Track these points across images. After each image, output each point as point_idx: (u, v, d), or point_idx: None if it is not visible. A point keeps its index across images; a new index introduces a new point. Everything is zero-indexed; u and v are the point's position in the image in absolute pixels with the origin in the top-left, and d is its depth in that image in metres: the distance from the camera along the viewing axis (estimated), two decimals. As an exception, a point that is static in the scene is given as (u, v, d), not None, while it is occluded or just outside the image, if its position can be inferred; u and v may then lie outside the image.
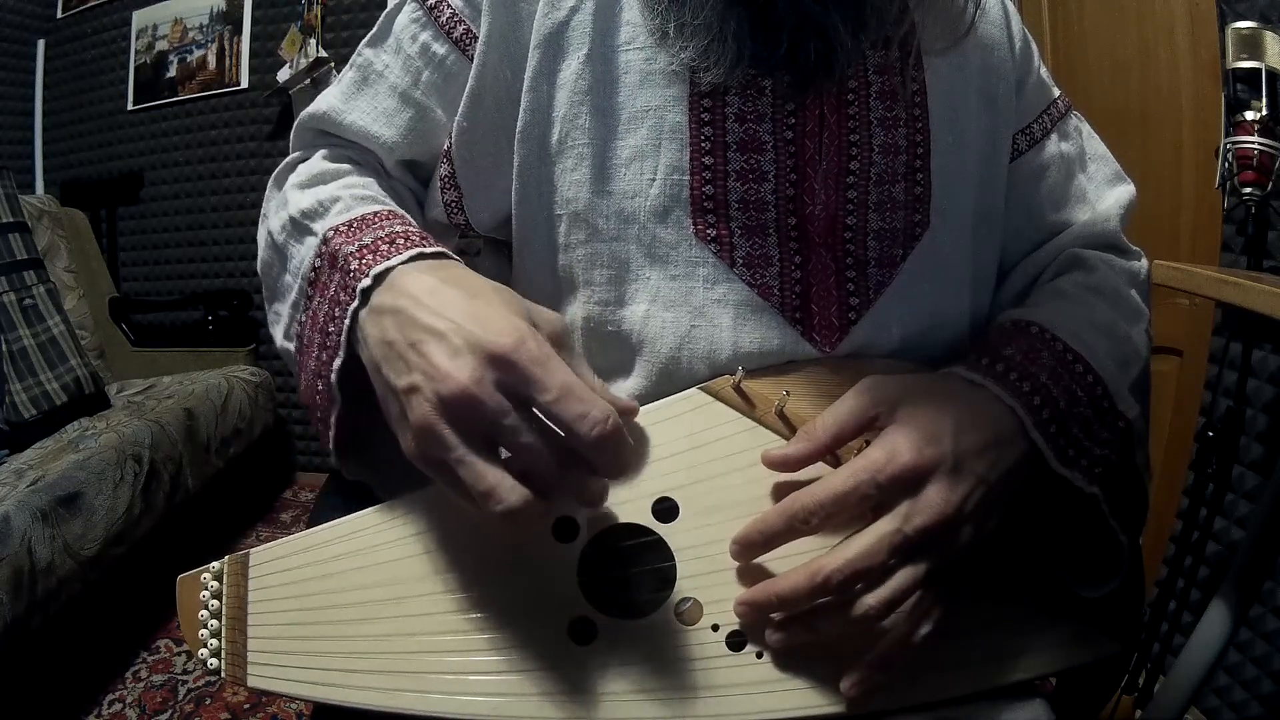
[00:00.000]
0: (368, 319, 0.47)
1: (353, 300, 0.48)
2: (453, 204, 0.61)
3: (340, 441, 0.52)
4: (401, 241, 0.50)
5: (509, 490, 0.40)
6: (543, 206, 0.56)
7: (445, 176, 0.61)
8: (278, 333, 0.58)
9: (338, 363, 0.49)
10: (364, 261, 0.48)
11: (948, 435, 0.46)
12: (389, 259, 0.48)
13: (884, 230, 0.55)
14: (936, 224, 0.57)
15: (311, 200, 0.56)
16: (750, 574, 0.49)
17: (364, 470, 0.55)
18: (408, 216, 0.54)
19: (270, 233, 0.58)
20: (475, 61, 0.56)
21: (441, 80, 0.59)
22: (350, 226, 0.52)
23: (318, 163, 0.61)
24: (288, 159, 0.64)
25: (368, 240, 0.50)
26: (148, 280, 2.58)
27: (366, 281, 0.47)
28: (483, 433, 0.41)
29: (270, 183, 0.63)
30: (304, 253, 0.54)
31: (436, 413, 0.41)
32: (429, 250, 0.49)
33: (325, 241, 0.52)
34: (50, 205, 2.23)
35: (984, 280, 0.62)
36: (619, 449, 0.42)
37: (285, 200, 0.58)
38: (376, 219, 0.52)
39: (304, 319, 0.53)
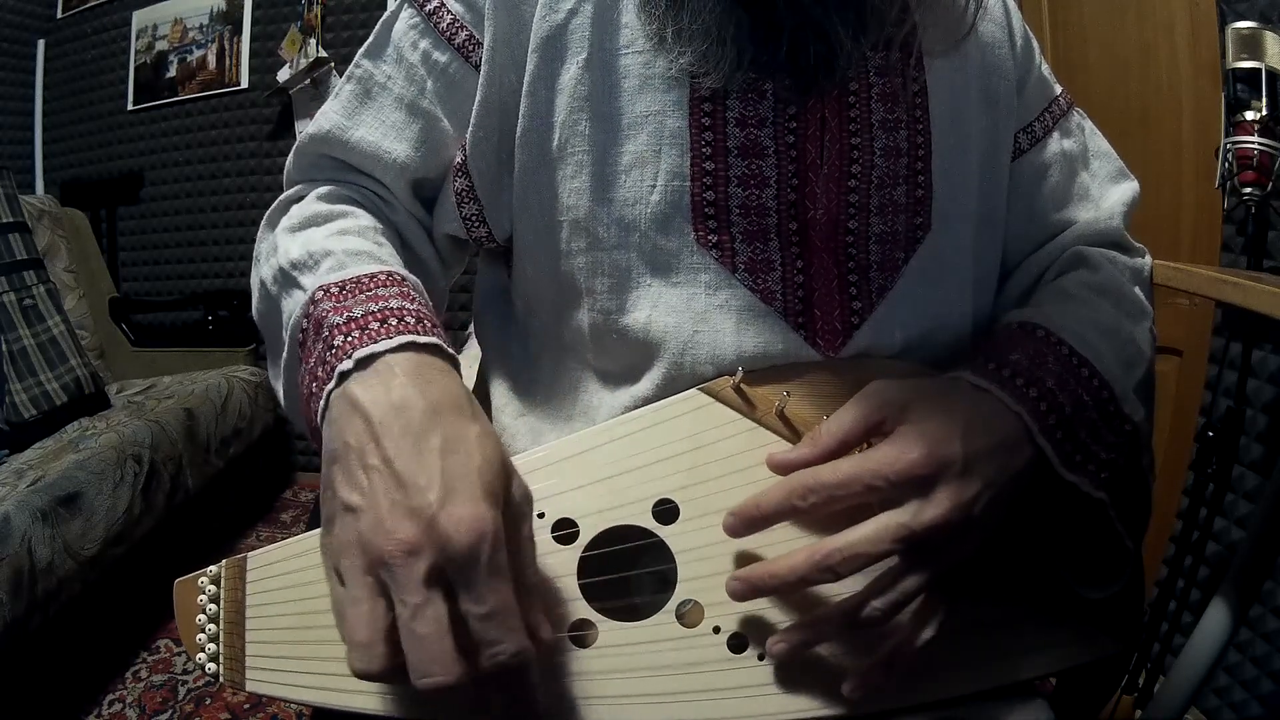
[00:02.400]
0: (338, 402, 0.42)
1: (329, 380, 0.43)
2: (473, 218, 0.59)
3: None
4: (394, 322, 0.45)
5: (374, 657, 0.37)
6: (543, 213, 0.56)
7: (462, 191, 0.58)
8: (279, 390, 0.55)
9: (324, 454, 0.43)
10: (349, 339, 0.43)
11: (957, 438, 0.46)
12: (375, 342, 0.43)
13: (886, 233, 0.55)
14: (938, 226, 0.57)
15: (301, 250, 0.52)
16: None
17: None
18: (409, 279, 0.50)
19: (263, 281, 0.55)
20: (483, 69, 0.55)
21: (446, 89, 0.57)
22: (341, 289, 0.47)
23: (311, 204, 0.57)
24: (281, 197, 0.61)
25: (357, 313, 0.45)
26: (148, 280, 2.58)
27: (347, 365, 0.42)
28: (384, 589, 0.37)
29: (264, 222, 0.60)
30: (292, 308, 0.50)
31: (357, 547, 0.38)
32: (421, 340, 0.44)
33: (313, 302, 0.47)
34: (50, 205, 2.23)
35: (986, 281, 0.62)
36: (516, 687, 0.39)
37: (275, 246, 0.55)
38: (372, 283, 0.48)
39: (299, 382, 0.48)
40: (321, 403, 0.43)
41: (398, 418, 0.40)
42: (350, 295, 0.47)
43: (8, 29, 2.50)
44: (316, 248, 0.52)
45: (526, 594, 0.40)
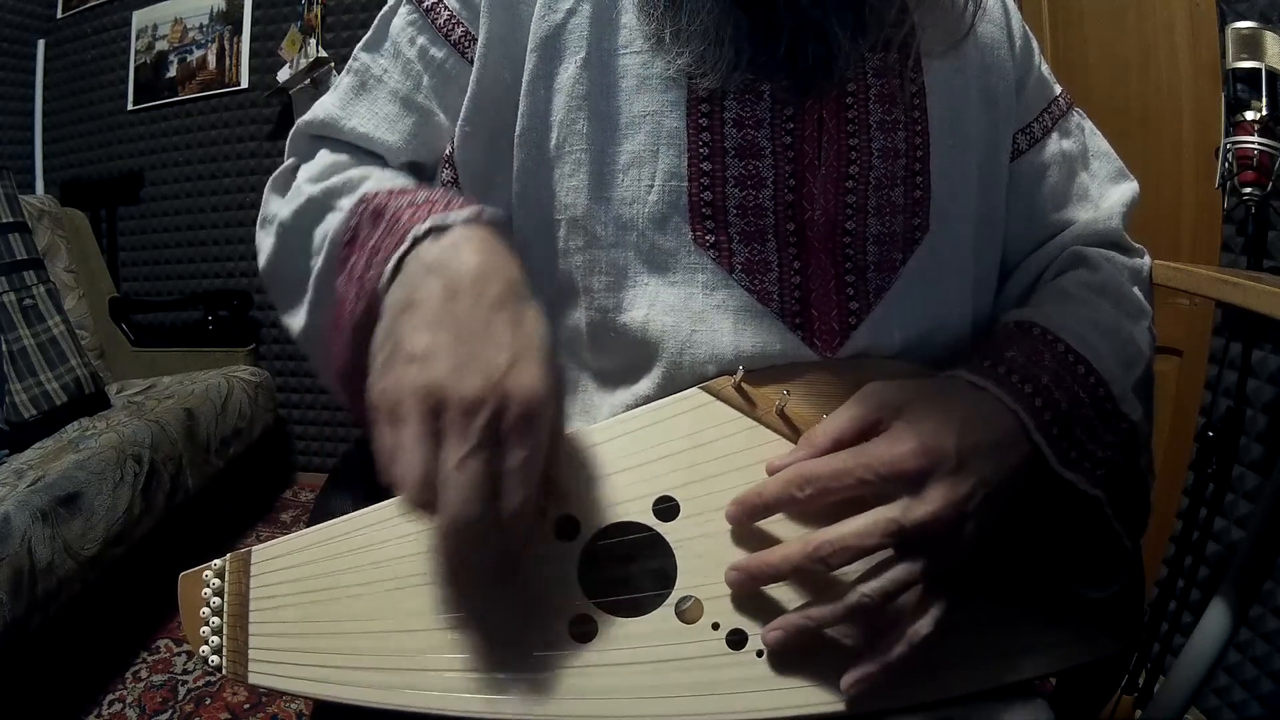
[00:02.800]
0: (411, 263, 0.45)
1: (401, 244, 0.45)
2: None
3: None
4: (458, 202, 0.48)
5: (426, 491, 0.39)
6: (542, 211, 0.56)
7: (448, 182, 0.60)
8: (298, 317, 0.56)
9: (382, 283, 0.45)
10: (419, 212, 0.46)
11: (951, 435, 0.46)
12: (447, 213, 0.46)
13: (883, 234, 0.55)
14: (936, 227, 0.57)
15: (338, 179, 0.55)
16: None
17: None
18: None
19: (281, 223, 0.57)
20: (475, 65, 0.56)
21: (441, 84, 0.58)
22: (391, 193, 0.50)
23: (325, 157, 0.59)
24: (284, 165, 0.63)
25: (421, 197, 0.48)
26: (148, 280, 2.58)
27: (422, 228, 0.45)
28: (440, 435, 0.40)
29: (268, 189, 0.61)
30: (332, 223, 0.52)
31: (422, 392, 0.40)
32: (487, 215, 0.47)
33: (364, 201, 0.50)
34: (50, 205, 2.23)
35: (985, 281, 0.62)
36: (514, 535, 0.42)
37: (299, 191, 0.57)
38: (418, 189, 0.51)
39: (339, 283, 0.51)
40: (391, 264, 0.45)
41: (472, 284, 0.43)
42: (404, 193, 0.49)
43: (8, 29, 2.50)
44: (352, 175, 0.55)
45: (555, 459, 0.44)
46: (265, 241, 0.59)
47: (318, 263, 0.53)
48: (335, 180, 0.55)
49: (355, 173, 0.56)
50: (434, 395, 0.39)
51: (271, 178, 0.62)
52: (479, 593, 0.47)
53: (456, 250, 0.44)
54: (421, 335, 0.41)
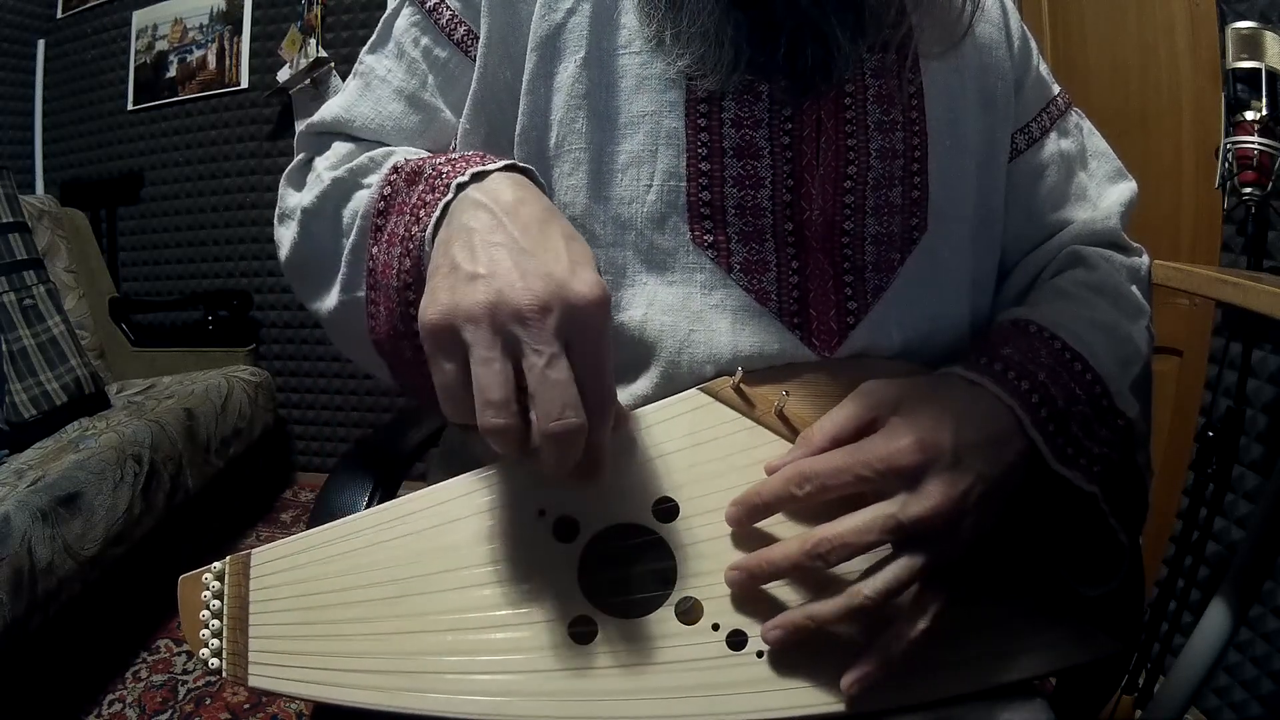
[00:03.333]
0: (458, 206, 0.46)
1: (447, 194, 0.47)
2: None
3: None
4: (491, 157, 0.49)
5: (509, 413, 0.40)
6: None
7: None
8: (329, 299, 0.56)
9: (425, 257, 0.47)
10: (458, 166, 0.48)
11: (948, 431, 0.46)
12: (484, 164, 0.48)
13: (882, 235, 0.55)
14: (934, 227, 0.57)
15: (363, 159, 0.56)
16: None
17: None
18: None
19: (304, 210, 0.57)
20: (477, 64, 0.56)
21: (446, 82, 0.59)
22: (423, 159, 0.51)
23: (340, 146, 0.60)
24: (296, 160, 0.63)
25: (455, 156, 0.50)
26: (148, 280, 2.58)
27: (464, 177, 0.47)
28: (513, 351, 0.40)
29: (283, 185, 0.62)
30: (361, 200, 0.53)
31: (487, 305, 0.40)
32: (521, 165, 0.49)
33: (396, 170, 0.52)
34: (50, 205, 2.23)
35: (984, 282, 0.62)
36: (596, 437, 0.42)
37: (320, 178, 0.57)
38: (448, 154, 0.52)
39: (373, 254, 0.52)
40: (437, 213, 0.47)
41: (520, 209, 0.44)
42: (435, 158, 0.51)
43: (8, 29, 2.50)
44: (377, 154, 0.56)
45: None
46: (286, 234, 0.60)
47: (349, 240, 0.54)
48: (360, 160, 0.56)
49: (379, 151, 0.56)
50: (503, 308, 0.40)
51: (285, 174, 0.62)
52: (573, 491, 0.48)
53: (498, 188, 0.46)
54: (479, 255, 0.42)
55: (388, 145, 0.60)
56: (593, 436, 0.41)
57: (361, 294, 0.53)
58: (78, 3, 2.54)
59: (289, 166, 0.63)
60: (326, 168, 0.58)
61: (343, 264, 0.54)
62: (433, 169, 0.49)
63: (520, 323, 0.39)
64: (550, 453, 0.40)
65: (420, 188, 0.49)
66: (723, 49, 0.51)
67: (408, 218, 0.49)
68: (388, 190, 0.51)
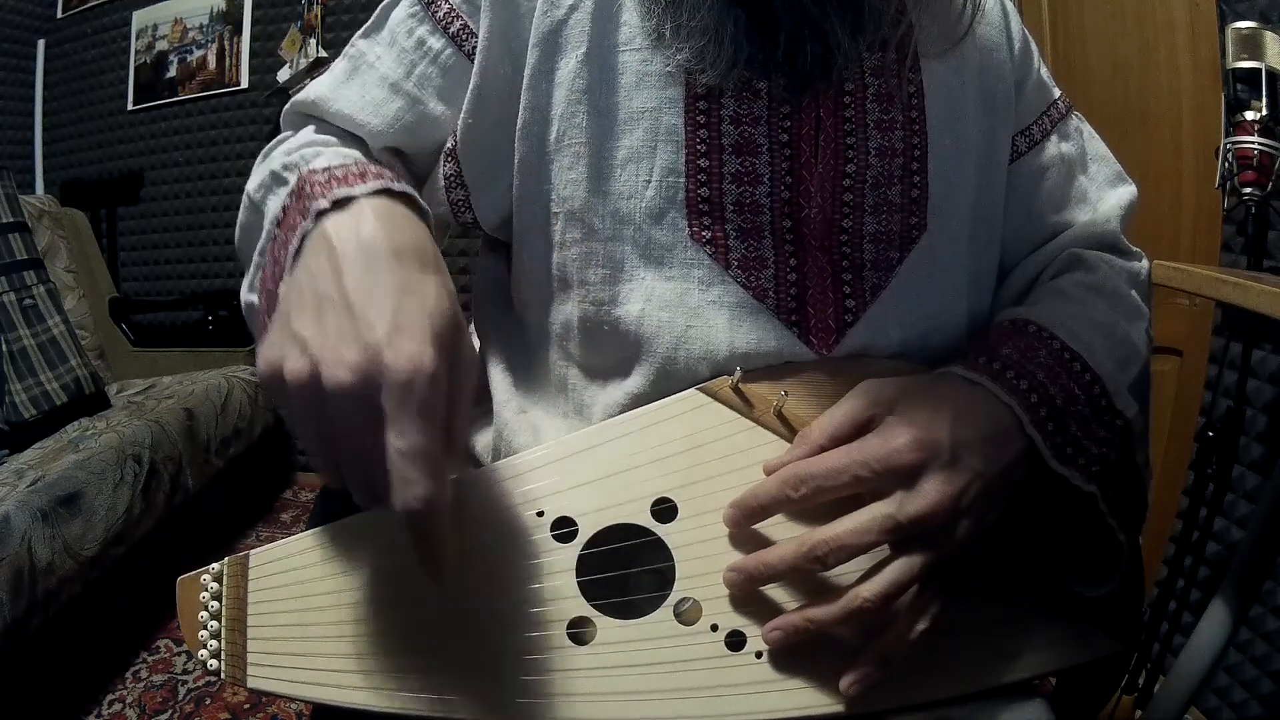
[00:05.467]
0: (311, 242, 0.43)
1: (306, 219, 0.44)
2: (460, 202, 0.61)
3: None
4: (372, 173, 0.47)
5: (328, 467, 0.40)
6: (540, 204, 0.56)
7: (451, 175, 0.60)
8: (244, 288, 0.55)
9: (282, 289, 0.44)
10: (324, 186, 0.45)
11: (945, 429, 0.46)
12: (352, 187, 0.44)
13: (880, 233, 0.55)
14: (934, 227, 0.57)
15: (295, 156, 0.54)
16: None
17: None
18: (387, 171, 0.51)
19: (248, 194, 0.57)
20: (477, 59, 0.56)
21: (437, 74, 0.59)
22: (327, 169, 0.48)
23: (306, 134, 0.60)
24: (276, 138, 0.63)
25: (338, 172, 0.47)
26: (148, 280, 2.58)
27: (323, 204, 0.44)
28: (323, 415, 0.39)
29: (257, 162, 0.61)
30: (278, 200, 0.51)
31: (301, 379, 0.38)
32: (395, 188, 0.46)
33: (302, 179, 0.48)
34: (50, 205, 2.23)
35: (983, 282, 0.62)
36: (427, 527, 0.39)
37: (269, 164, 0.57)
38: (357, 165, 0.49)
39: (267, 260, 0.50)
40: (294, 243, 0.44)
41: (361, 253, 0.41)
42: (327, 173, 0.47)
43: (8, 29, 2.51)
44: (310, 151, 0.54)
45: (453, 451, 0.40)
46: (240, 214, 0.59)
47: (264, 237, 0.52)
48: (294, 156, 0.54)
49: (311, 150, 0.55)
50: (311, 382, 0.38)
51: (264, 150, 0.62)
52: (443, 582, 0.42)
53: (354, 221, 0.43)
54: (306, 314, 0.40)
55: (358, 133, 0.60)
56: (419, 530, 0.39)
57: (257, 302, 0.52)
58: (78, 3, 2.55)
59: (272, 141, 0.63)
60: (280, 152, 0.58)
61: (253, 266, 0.53)
62: (310, 187, 0.46)
63: (328, 393, 0.38)
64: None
65: (298, 207, 0.46)
66: (722, 45, 0.51)
67: (282, 237, 0.47)
68: (289, 201, 0.49)
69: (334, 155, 0.53)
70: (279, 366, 0.39)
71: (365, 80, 0.60)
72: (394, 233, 0.43)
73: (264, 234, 0.52)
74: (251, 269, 0.54)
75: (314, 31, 2.25)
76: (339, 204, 0.44)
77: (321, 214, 0.44)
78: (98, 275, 2.32)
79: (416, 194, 0.47)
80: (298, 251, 0.44)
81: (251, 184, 0.57)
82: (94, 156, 2.58)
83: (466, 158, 0.59)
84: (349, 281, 0.40)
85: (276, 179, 0.54)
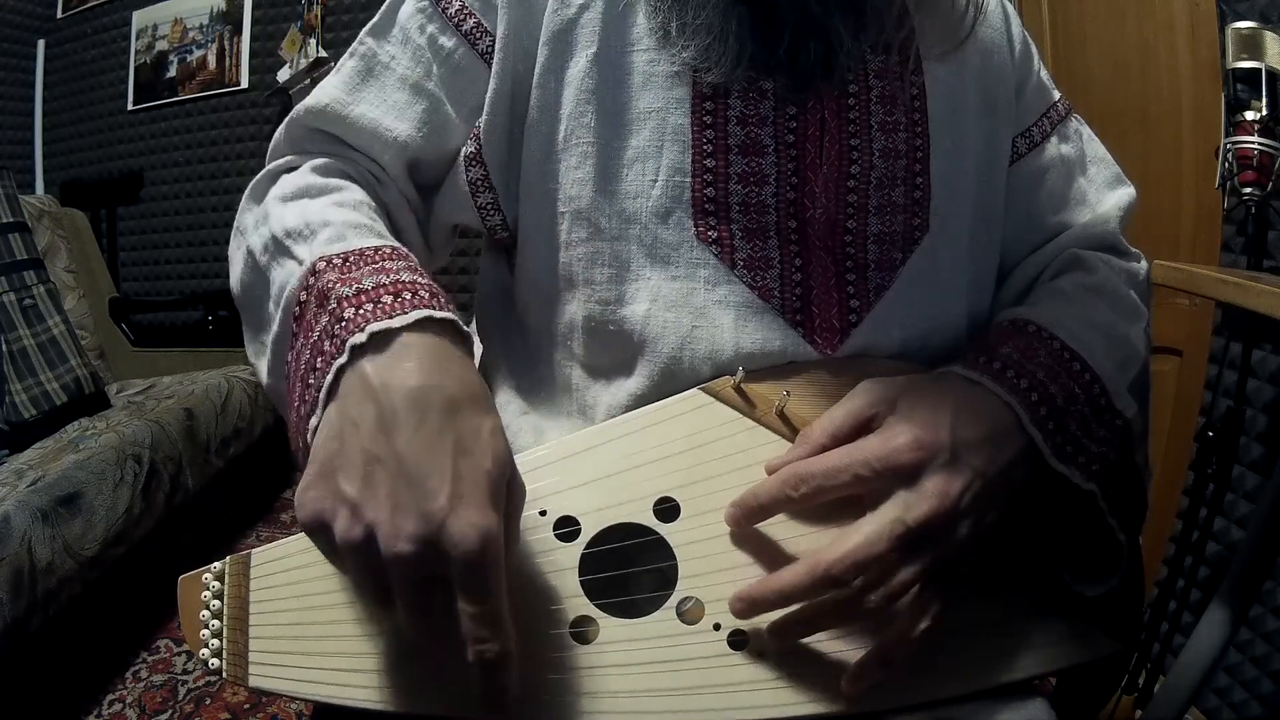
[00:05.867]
0: (349, 378, 0.41)
1: (340, 354, 0.41)
2: (488, 206, 0.59)
3: None
4: (408, 296, 0.43)
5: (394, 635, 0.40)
6: (546, 203, 0.56)
7: (477, 180, 0.58)
8: (262, 368, 0.52)
9: (314, 422, 0.42)
10: (361, 313, 0.42)
11: (945, 428, 0.46)
12: (390, 317, 0.41)
13: (884, 234, 0.56)
14: (935, 228, 0.57)
15: (297, 219, 0.50)
16: (752, 573, 0.49)
17: None
18: (410, 256, 0.48)
19: (251, 251, 0.53)
20: (496, 60, 0.56)
21: (451, 74, 0.58)
22: (344, 261, 0.46)
23: (304, 175, 0.56)
24: (268, 168, 0.59)
25: (367, 285, 0.43)
26: (148, 280, 2.58)
27: (360, 338, 0.41)
28: (376, 574, 0.38)
29: (246, 195, 0.57)
30: (286, 279, 0.48)
31: (357, 544, 0.37)
32: (438, 316, 0.43)
33: (314, 273, 0.46)
34: (50, 205, 2.23)
35: (983, 283, 0.62)
36: (497, 684, 0.39)
37: (266, 215, 0.53)
38: (377, 256, 0.46)
39: (289, 359, 0.47)
40: (329, 377, 0.41)
41: (412, 410, 0.39)
42: (355, 267, 0.45)
43: (8, 29, 2.51)
44: (314, 217, 0.50)
45: (511, 593, 0.40)
46: (235, 256, 0.56)
47: (275, 323, 0.49)
48: (296, 222, 0.50)
49: (316, 217, 0.50)
50: (369, 548, 0.37)
51: (252, 183, 0.58)
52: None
53: (397, 365, 0.40)
54: (353, 474, 0.38)
55: (382, 142, 0.58)
56: (489, 679, 0.39)
57: (282, 388, 0.49)
58: (78, 3, 2.55)
59: (262, 171, 0.59)
60: (276, 199, 0.54)
61: (268, 349, 0.50)
62: (337, 303, 0.43)
63: (390, 573, 0.37)
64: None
65: (324, 322, 0.43)
66: (726, 43, 0.51)
67: (309, 355, 0.44)
68: (304, 296, 0.46)
69: (348, 232, 0.49)
70: (326, 524, 0.38)
71: (384, 81, 0.58)
72: (444, 380, 0.40)
73: (275, 322, 0.48)
74: (267, 354, 0.51)
75: (314, 31, 2.25)
76: (376, 339, 0.41)
77: (358, 349, 0.41)
78: (98, 275, 2.32)
79: (458, 318, 0.44)
80: (332, 386, 0.41)
81: (251, 239, 0.53)
82: (94, 156, 2.58)
83: (493, 161, 0.57)
84: (400, 444, 0.38)
85: (281, 249, 0.50)
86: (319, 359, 0.43)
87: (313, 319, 0.44)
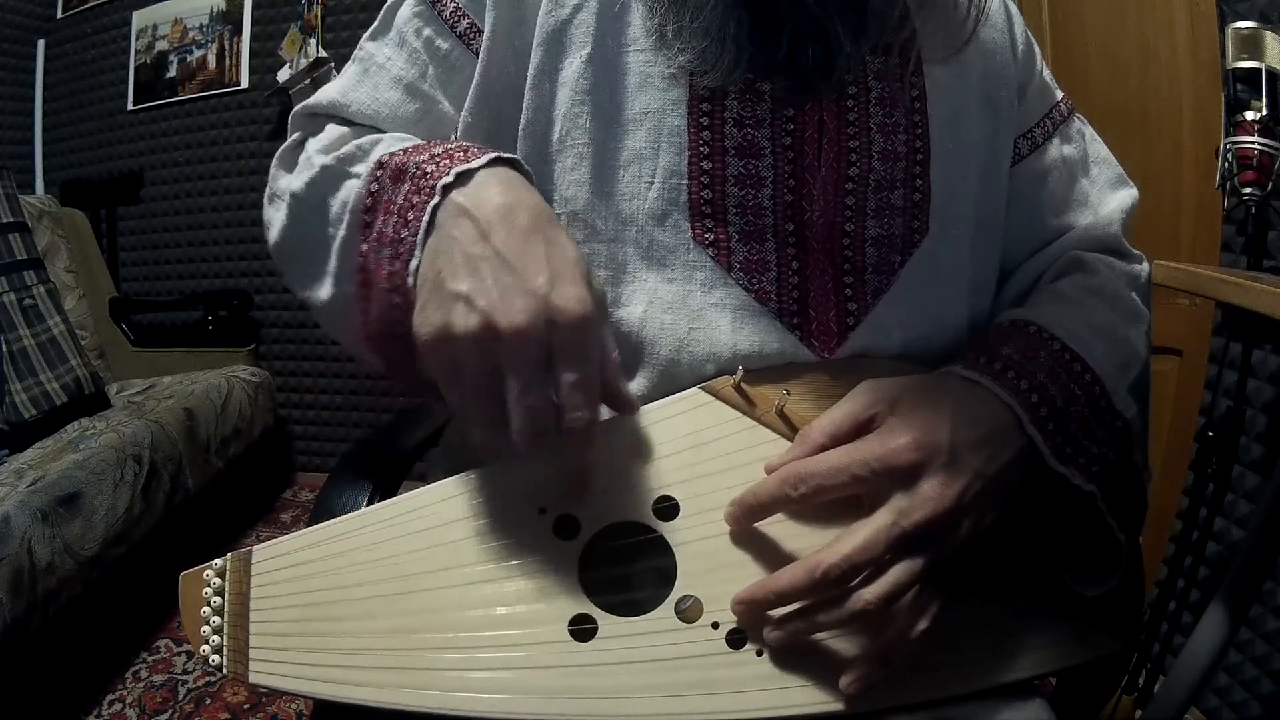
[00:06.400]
0: (444, 214, 0.46)
1: (432, 197, 0.47)
2: None
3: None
4: (475, 151, 0.49)
5: (499, 429, 0.42)
6: None
7: None
8: (323, 289, 0.55)
9: (414, 263, 0.47)
10: (441, 165, 0.47)
11: (944, 428, 0.46)
12: (469, 161, 0.47)
13: (882, 236, 0.55)
14: (935, 230, 0.57)
15: (351, 147, 0.55)
16: (750, 572, 0.49)
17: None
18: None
19: (294, 194, 0.56)
20: (481, 57, 0.56)
21: (446, 74, 0.59)
22: (406, 152, 0.51)
23: (333, 130, 0.59)
24: (289, 141, 0.62)
25: (438, 152, 0.49)
26: (148, 280, 2.57)
27: (449, 178, 0.46)
28: (499, 371, 0.42)
29: (275, 165, 0.61)
30: (348, 193, 0.53)
31: (477, 330, 0.41)
32: (506, 155, 0.49)
33: (381, 165, 0.51)
34: (50, 205, 2.23)
35: (984, 286, 0.62)
36: (584, 457, 0.45)
37: (310, 162, 0.57)
38: (432, 145, 0.51)
39: (363, 250, 0.51)
40: (426, 217, 0.46)
41: (503, 218, 0.44)
42: (420, 152, 0.50)
43: (8, 29, 2.50)
44: (365, 141, 0.55)
45: (610, 369, 0.46)
46: (276, 216, 0.59)
47: (339, 232, 0.53)
48: (348, 148, 0.55)
49: (366, 140, 0.56)
50: (486, 332, 0.41)
51: (278, 154, 0.62)
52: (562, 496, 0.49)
53: (483, 190, 0.46)
54: (461, 274, 0.43)
55: (381, 130, 0.59)
56: (579, 443, 0.44)
57: (352, 289, 0.53)
58: (78, 3, 2.54)
59: (282, 146, 0.62)
60: (317, 150, 0.57)
61: (333, 258, 0.54)
62: (417, 167, 0.49)
63: (503, 349, 0.41)
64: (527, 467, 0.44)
65: (406, 187, 0.49)
66: (724, 46, 0.51)
67: (395, 219, 0.49)
68: (374, 186, 0.51)
69: (401, 139, 0.54)
70: (445, 326, 0.42)
71: (378, 82, 0.60)
72: (522, 195, 0.46)
73: (343, 225, 0.53)
74: (330, 270, 0.54)
75: (314, 31, 2.24)
76: (461, 178, 0.47)
77: (447, 189, 0.46)
78: (98, 275, 2.32)
79: (521, 160, 0.50)
80: (429, 225, 0.46)
81: (294, 184, 0.57)
82: (94, 156, 2.57)
83: None
84: (498, 241, 0.43)
85: (336, 174, 0.54)
86: (409, 213, 0.48)
87: (391, 196, 0.50)
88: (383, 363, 0.54)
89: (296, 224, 0.57)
